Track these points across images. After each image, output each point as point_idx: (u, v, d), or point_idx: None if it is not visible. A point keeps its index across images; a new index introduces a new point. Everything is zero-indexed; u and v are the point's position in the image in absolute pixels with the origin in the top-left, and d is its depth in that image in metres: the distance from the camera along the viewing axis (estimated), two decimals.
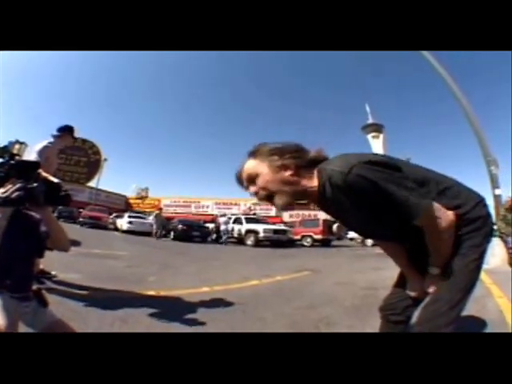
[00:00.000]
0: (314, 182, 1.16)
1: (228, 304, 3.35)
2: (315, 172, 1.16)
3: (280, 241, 15.66)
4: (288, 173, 1.16)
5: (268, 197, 1.19)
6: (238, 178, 1.27)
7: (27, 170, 1.30)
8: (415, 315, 1.14)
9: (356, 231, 1.40)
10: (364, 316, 3.02)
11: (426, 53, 9.52)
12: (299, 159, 1.17)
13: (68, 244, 1.59)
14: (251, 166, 1.22)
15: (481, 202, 1.14)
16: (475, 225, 1.09)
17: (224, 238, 16.12)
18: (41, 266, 3.41)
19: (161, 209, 19.79)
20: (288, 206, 1.19)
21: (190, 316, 2.85)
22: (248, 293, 4.10)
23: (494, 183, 7.42)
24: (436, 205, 1.05)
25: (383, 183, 1.00)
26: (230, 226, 16.73)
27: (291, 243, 16.75)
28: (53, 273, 3.66)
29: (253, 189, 1.21)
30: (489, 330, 2.23)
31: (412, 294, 1.27)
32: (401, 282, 1.37)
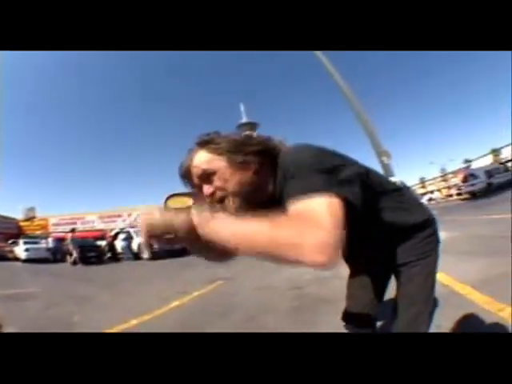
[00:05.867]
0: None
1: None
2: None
3: (175, 251, 15.04)
4: (250, 171, 0.98)
5: (224, 198, 0.99)
6: (185, 174, 1.04)
7: None
8: (396, 322, 1.14)
9: None
10: (298, 319, 3.10)
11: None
12: (263, 154, 0.99)
13: None
14: (206, 160, 0.99)
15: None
16: (432, 228, 1.15)
17: (125, 255, 15.44)
18: None
19: (74, 230, 17.68)
20: (242, 210, 0.99)
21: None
22: (176, 316, 3.95)
23: (388, 172, 7.96)
24: None
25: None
26: (124, 242, 15.87)
27: (186, 251, 16.47)
28: None
29: (208, 189, 0.99)
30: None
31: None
32: (354, 290, 1.37)
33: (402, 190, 1.15)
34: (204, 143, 1.01)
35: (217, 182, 0.98)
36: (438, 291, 1.18)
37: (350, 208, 0.75)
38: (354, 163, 0.98)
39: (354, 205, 0.78)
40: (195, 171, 1.00)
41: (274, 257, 0.70)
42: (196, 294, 5.17)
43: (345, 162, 0.89)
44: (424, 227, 1.12)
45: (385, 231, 1.09)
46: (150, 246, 0.86)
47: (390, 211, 1.07)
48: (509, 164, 25.10)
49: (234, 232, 0.73)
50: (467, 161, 41.37)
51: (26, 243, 17.53)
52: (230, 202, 0.98)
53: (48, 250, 17.55)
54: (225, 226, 0.75)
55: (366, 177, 0.98)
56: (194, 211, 0.78)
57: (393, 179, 7.86)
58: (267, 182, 1.01)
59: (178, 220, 0.79)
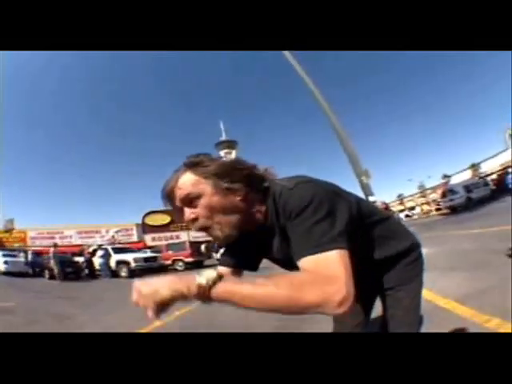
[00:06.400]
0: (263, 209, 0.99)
1: None
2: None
3: (152, 268, 15.39)
4: (237, 198, 0.95)
5: (206, 227, 0.96)
6: (168, 194, 0.98)
7: None
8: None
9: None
10: None
11: (294, 62, 9.40)
12: (251, 181, 0.97)
13: None
14: (191, 182, 0.94)
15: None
16: (417, 252, 1.18)
17: (103, 273, 15.19)
18: None
19: (56, 245, 17.05)
20: (229, 239, 0.98)
21: None
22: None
23: (367, 191, 7.93)
24: None
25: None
26: (102, 259, 15.56)
27: (164, 269, 16.67)
28: None
29: (191, 213, 0.94)
30: None
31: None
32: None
33: (389, 218, 1.17)
34: (192, 165, 0.96)
35: (201, 209, 0.94)
36: (422, 307, 1.18)
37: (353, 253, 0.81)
38: (347, 195, 1.00)
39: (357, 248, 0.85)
40: (179, 193, 0.95)
41: (295, 312, 0.73)
42: (177, 313, 4.88)
43: (340, 197, 0.91)
44: (410, 252, 1.16)
45: (374, 260, 1.10)
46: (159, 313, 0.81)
47: (379, 241, 1.09)
48: (488, 178, 25.64)
49: (252, 295, 0.72)
50: (446, 176, 42.02)
51: (4, 256, 17.01)
52: (217, 232, 0.95)
53: (26, 263, 17.05)
54: (239, 290, 0.73)
55: (357, 210, 0.99)
56: (199, 276, 0.75)
57: (371, 198, 7.88)
58: (255, 209, 0.99)
59: (185, 288, 0.75)
